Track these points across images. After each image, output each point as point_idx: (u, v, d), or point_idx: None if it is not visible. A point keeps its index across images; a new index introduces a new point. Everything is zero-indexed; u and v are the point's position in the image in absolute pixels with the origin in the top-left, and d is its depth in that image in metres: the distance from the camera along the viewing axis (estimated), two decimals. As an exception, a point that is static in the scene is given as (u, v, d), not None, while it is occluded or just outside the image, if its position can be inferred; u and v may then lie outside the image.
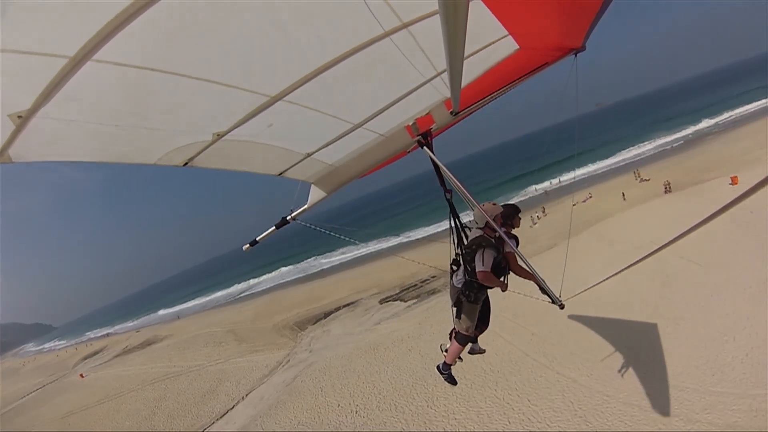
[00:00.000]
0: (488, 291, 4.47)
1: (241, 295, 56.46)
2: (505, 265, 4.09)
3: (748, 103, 51.95)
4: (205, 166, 2.62)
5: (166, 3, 1.42)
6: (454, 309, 4.35)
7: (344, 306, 26.99)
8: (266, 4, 1.63)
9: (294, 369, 18.07)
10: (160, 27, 1.52)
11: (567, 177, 46.57)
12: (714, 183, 21.54)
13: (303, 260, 61.12)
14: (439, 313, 17.15)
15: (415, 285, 25.23)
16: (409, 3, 2.05)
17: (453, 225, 4.48)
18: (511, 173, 66.68)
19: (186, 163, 2.46)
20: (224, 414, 15.98)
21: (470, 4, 1.19)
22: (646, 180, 30.68)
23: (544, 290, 3.67)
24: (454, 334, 4.55)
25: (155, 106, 1.92)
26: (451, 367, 4.75)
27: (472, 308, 4.26)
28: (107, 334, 66.18)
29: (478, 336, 4.74)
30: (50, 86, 1.54)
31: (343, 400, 13.01)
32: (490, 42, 2.95)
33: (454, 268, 4.41)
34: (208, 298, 66.87)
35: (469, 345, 4.73)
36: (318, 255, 58.49)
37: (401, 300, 23.60)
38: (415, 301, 22.30)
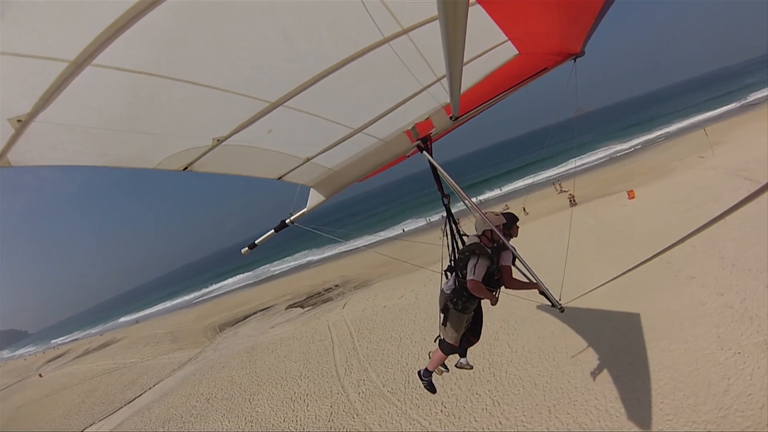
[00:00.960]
0: (481, 302, 4.33)
1: (196, 300, 61.38)
2: (498, 277, 3.91)
3: (701, 113, 52.95)
4: (205, 171, 2.62)
5: (167, 8, 1.42)
6: (441, 315, 4.19)
7: (260, 310, 30.56)
8: (267, 10, 1.63)
9: (197, 365, 20.90)
10: (161, 32, 1.52)
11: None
12: (615, 197, 22.81)
13: (258, 267, 66.36)
14: (314, 320, 20.35)
15: (319, 293, 28.02)
16: (409, 8, 2.06)
17: (449, 230, 4.44)
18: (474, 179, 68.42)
19: (185, 168, 2.46)
20: (131, 401, 18.90)
21: (470, 9, 1.19)
22: (564, 191, 31.51)
23: (544, 294, 3.65)
24: (438, 342, 4.37)
25: (155, 111, 1.92)
26: (432, 374, 4.57)
27: (460, 317, 4.07)
28: (75, 339, 70.84)
29: (467, 348, 4.55)
30: (50, 90, 1.53)
31: (210, 391, 16.04)
32: (489, 47, 2.97)
33: (449, 275, 4.27)
34: (169, 303, 71.67)
35: (457, 358, 4.55)
36: (270, 263, 64.82)
37: (301, 306, 26.36)
38: (311, 307, 24.82)
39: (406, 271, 21.63)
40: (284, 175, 3.63)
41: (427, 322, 13.92)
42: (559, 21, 2.71)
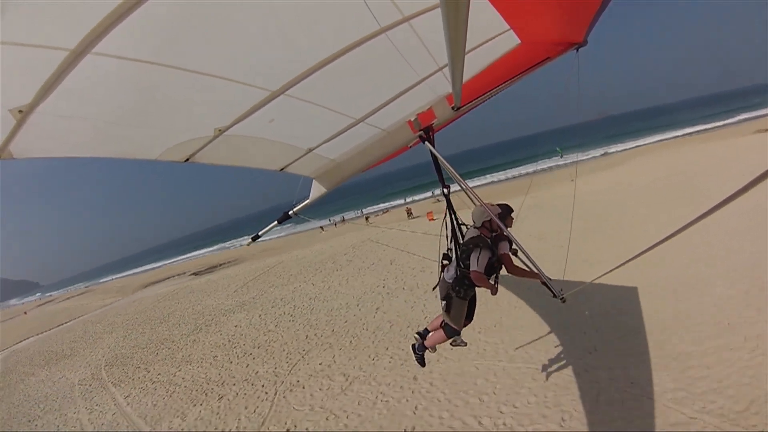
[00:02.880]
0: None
1: (160, 265, 73.45)
2: (498, 266, 4.10)
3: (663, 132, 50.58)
4: (207, 162, 2.62)
5: None
6: (444, 303, 4.39)
7: (173, 277, 40.31)
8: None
9: (110, 306, 31.69)
10: (162, 20, 1.51)
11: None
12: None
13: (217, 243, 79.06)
14: (193, 280, 31.46)
15: (215, 265, 37.49)
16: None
17: (449, 221, 4.49)
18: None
19: (187, 159, 2.46)
20: (62, 324, 29.10)
21: None
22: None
23: (545, 284, 3.67)
24: (443, 325, 4.58)
25: (156, 101, 1.92)
26: (426, 350, 4.87)
27: (461, 303, 4.29)
28: (67, 290, 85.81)
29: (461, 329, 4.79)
30: (51, 80, 1.53)
31: (109, 319, 24.90)
32: (491, 36, 2.94)
33: (445, 262, 4.45)
34: (142, 268, 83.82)
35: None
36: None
37: (196, 274, 35.49)
38: (200, 275, 33.71)
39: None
40: (286, 166, 3.62)
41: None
42: (562, 10, 2.68)
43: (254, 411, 8.22)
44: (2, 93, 1.51)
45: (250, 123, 2.43)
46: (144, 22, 1.46)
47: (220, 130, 2.35)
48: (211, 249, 73.82)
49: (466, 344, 4.93)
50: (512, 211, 4.35)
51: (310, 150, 3.49)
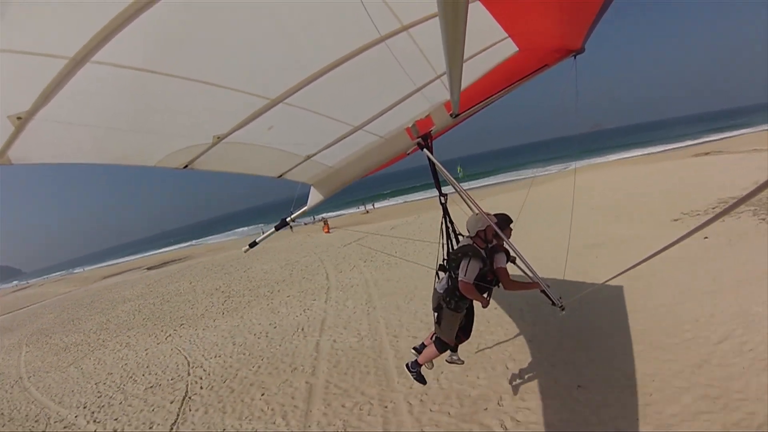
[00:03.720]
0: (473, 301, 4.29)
1: (132, 259, 73.53)
2: (491, 279, 3.91)
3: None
4: (205, 169, 2.62)
5: (167, 4, 1.42)
6: (435, 314, 4.20)
7: (129, 270, 43.01)
8: (268, 7, 1.63)
9: (70, 294, 33.30)
10: (161, 28, 1.52)
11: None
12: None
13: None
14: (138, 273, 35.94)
15: (174, 260, 40.32)
16: (408, 6, 2.06)
17: (445, 229, 4.42)
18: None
19: (186, 166, 2.46)
20: (23, 307, 31.31)
21: (470, 6, 1.19)
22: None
23: (544, 293, 3.63)
24: (434, 339, 4.38)
25: (155, 109, 1.92)
26: (421, 367, 4.62)
27: (453, 316, 4.08)
28: (46, 278, 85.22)
29: (457, 346, 4.56)
30: (50, 87, 1.53)
31: (66, 304, 27.03)
32: (489, 44, 2.96)
33: (441, 274, 4.28)
34: (114, 261, 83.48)
35: (448, 353, 4.54)
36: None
37: (148, 269, 37.74)
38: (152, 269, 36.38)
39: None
40: (285, 173, 3.63)
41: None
42: (560, 18, 2.70)
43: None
44: (1, 100, 1.51)
45: (249, 130, 2.44)
46: (144, 31, 1.46)
47: (218, 138, 2.35)
48: (181, 245, 74.45)
49: (462, 362, 4.70)
50: (511, 221, 4.21)
51: (309, 157, 3.50)
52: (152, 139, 2.10)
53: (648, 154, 41.35)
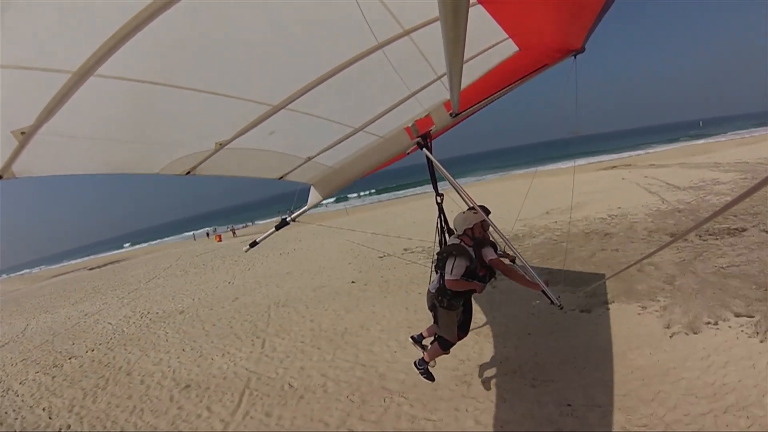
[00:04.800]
0: (472, 297, 4.31)
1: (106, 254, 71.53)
2: (483, 273, 3.91)
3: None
4: (208, 174, 2.62)
5: (168, 17, 1.41)
6: (432, 314, 4.20)
7: (73, 271, 42.10)
8: (270, 16, 1.62)
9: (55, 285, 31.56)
10: (163, 41, 1.51)
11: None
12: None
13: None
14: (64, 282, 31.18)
15: (119, 260, 40.09)
16: (409, 10, 2.05)
17: (440, 228, 4.44)
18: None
19: (188, 173, 2.46)
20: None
21: (470, 8, 1.18)
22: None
23: (544, 292, 3.64)
24: (436, 337, 4.36)
25: (158, 119, 1.91)
26: (428, 364, 4.55)
27: (448, 314, 4.05)
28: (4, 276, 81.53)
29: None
30: (53, 102, 1.52)
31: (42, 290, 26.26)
32: (489, 45, 2.95)
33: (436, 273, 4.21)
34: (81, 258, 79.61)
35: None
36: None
37: (90, 269, 37.05)
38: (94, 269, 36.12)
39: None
40: (285, 174, 3.63)
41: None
42: (561, 18, 2.69)
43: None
44: (4, 115, 1.50)
45: (250, 136, 2.43)
46: (146, 44, 1.46)
47: (221, 144, 2.35)
48: (139, 246, 73.81)
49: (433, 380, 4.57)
50: (489, 212, 4.11)
51: (309, 159, 3.50)
52: (155, 148, 2.10)
53: (581, 165, 39.82)
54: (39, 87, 1.47)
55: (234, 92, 1.95)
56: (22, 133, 1.55)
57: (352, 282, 10.48)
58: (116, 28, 1.38)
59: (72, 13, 1.29)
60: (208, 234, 44.97)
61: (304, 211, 4.48)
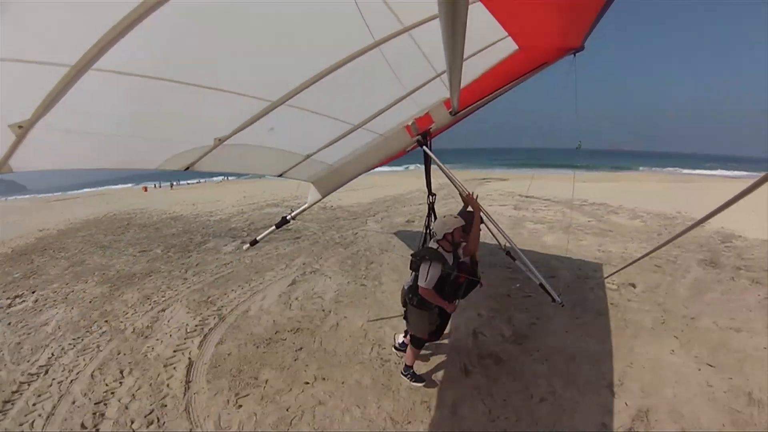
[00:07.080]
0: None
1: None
2: (462, 281, 3.70)
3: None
4: (207, 170, 2.61)
5: (167, 11, 1.40)
6: (403, 310, 4.08)
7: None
8: (270, 12, 1.61)
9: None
10: (162, 35, 1.50)
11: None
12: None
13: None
14: None
15: None
16: (409, 7, 2.04)
17: (426, 230, 4.40)
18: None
19: (187, 168, 2.45)
20: None
21: (470, 5, 1.18)
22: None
23: (543, 288, 3.63)
24: (409, 337, 4.22)
25: (157, 115, 1.91)
26: (413, 368, 4.36)
27: (420, 314, 3.86)
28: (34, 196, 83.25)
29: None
30: (51, 96, 1.52)
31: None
32: (489, 43, 2.95)
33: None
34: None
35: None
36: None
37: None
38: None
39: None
40: (285, 171, 3.63)
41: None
42: (561, 16, 2.69)
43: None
44: (1, 109, 1.50)
45: (249, 132, 2.43)
46: (144, 38, 1.45)
47: (219, 140, 2.34)
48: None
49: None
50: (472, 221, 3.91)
51: (309, 156, 3.50)
52: (154, 143, 2.09)
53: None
54: (37, 80, 1.46)
55: (233, 88, 1.95)
56: (20, 127, 1.55)
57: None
58: (116, 21, 1.37)
59: (71, 6, 1.28)
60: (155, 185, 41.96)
61: (304, 210, 4.47)
